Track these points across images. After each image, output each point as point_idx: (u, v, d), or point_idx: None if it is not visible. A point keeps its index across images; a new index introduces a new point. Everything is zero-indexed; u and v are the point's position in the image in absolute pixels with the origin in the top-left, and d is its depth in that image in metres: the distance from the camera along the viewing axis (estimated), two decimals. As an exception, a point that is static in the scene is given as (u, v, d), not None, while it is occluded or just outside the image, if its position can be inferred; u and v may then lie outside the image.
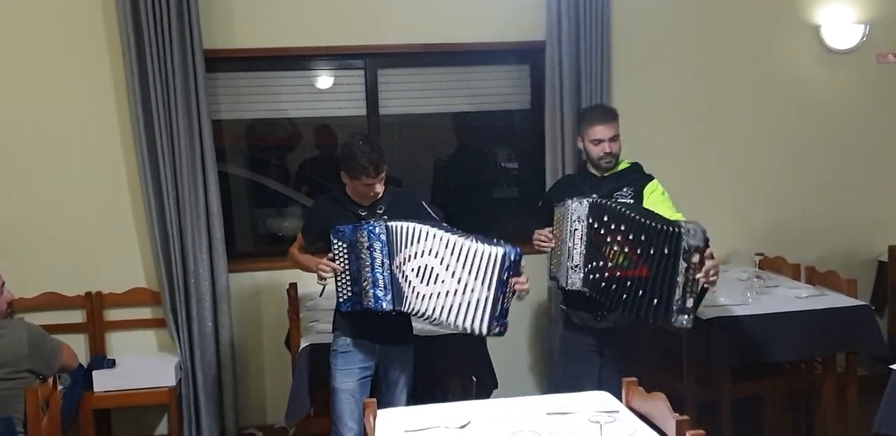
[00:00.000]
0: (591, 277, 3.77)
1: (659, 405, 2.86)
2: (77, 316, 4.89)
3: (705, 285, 3.52)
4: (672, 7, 5.24)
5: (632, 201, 3.91)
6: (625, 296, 3.63)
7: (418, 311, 3.53)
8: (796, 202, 5.50)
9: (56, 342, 3.74)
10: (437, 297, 3.45)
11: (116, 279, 4.90)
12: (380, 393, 3.80)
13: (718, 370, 4.36)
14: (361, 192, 3.67)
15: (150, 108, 4.67)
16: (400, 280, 3.56)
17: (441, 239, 3.46)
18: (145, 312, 4.97)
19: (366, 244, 3.56)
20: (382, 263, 3.56)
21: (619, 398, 3.12)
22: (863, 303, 4.52)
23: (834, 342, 4.43)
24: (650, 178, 4.08)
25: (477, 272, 3.37)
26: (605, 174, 4.06)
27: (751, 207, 5.46)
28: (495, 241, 3.39)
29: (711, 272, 3.50)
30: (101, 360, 4.69)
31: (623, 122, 5.14)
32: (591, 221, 3.77)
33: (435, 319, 3.50)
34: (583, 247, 3.79)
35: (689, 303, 3.47)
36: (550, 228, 3.98)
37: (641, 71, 5.23)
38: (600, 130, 3.98)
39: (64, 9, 4.72)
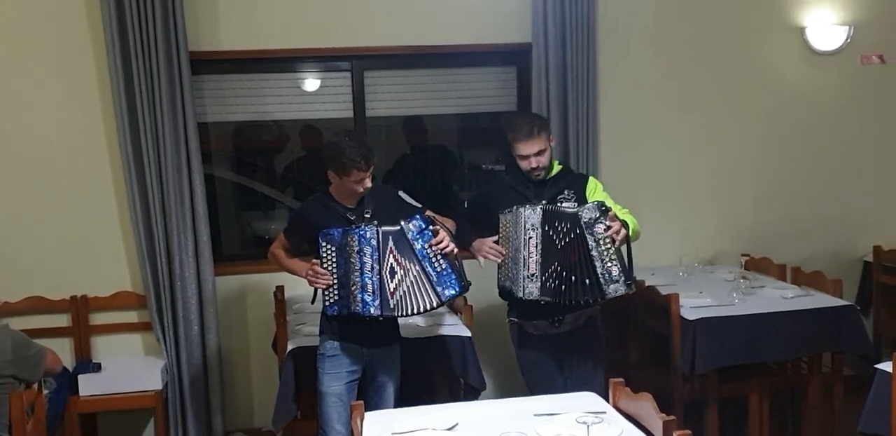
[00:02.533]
0: (549, 284, 3.73)
1: (646, 406, 2.86)
2: (62, 320, 4.86)
3: (614, 245, 3.63)
4: (657, 9, 5.26)
5: (575, 203, 3.85)
6: (564, 287, 3.68)
7: (393, 309, 3.57)
8: (782, 203, 5.53)
9: (40, 350, 3.72)
10: (395, 290, 3.55)
11: (102, 283, 4.88)
12: (367, 396, 3.79)
13: (705, 371, 4.37)
14: (351, 189, 3.66)
15: (135, 110, 4.66)
16: (386, 285, 3.57)
17: (390, 234, 3.58)
18: (131, 316, 4.94)
19: (356, 248, 3.55)
20: (372, 267, 3.55)
21: (607, 399, 3.13)
22: (848, 303, 4.54)
23: (820, 342, 4.45)
24: (586, 176, 4.11)
25: (401, 251, 3.55)
26: (544, 178, 3.99)
27: (736, 208, 5.48)
28: (402, 221, 3.59)
29: (613, 233, 3.62)
30: (86, 364, 4.66)
31: (608, 123, 5.21)
32: (545, 228, 3.72)
33: (402, 312, 3.58)
34: (538, 255, 3.73)
35: (615, 271, 3.61)
36: (496, 238, 3.91)
37: (627, 72, 5.24)
38: (522, 147, 3.89)
39: (48, 10, 4.70)
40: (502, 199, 3.94)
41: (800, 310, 4.40)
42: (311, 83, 5.23)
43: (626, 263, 3.69)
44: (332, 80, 5.19)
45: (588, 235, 3.63)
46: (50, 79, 4.75)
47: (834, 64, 5.48)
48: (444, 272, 3.57)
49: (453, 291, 3.59)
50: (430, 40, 5.04)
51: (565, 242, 3.68)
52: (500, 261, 3.89)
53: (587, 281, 3.65)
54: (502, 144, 5.57)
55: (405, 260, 3.56)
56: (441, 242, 3.57)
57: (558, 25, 4.96)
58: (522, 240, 3.75)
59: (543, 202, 3.82)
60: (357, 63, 5.10)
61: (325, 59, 5.13)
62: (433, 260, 3.56)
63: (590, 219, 3.63)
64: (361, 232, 3.56)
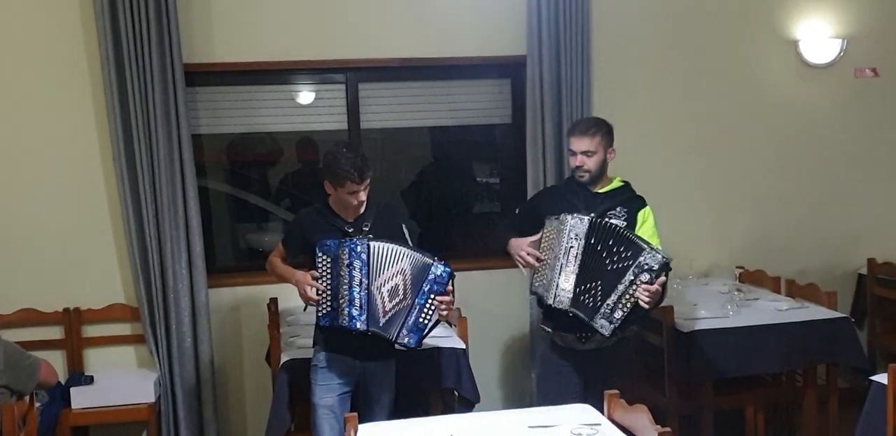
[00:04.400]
0: (582, 298, 3.70)
1: (641, 418, 2.85)
2: (55, 332, 4.84)
3: (638, 301, 3.58)
4: (651, 22, 5.28)
5: (624, 223, 3.81)
6: (592, 305, 3.67)
7: (382, 328, 3.57)
8: (776, 215, 5.53)
9: (34, 359, 3.71)
10: (392, 311, 3.57)
11: (95, 295, 4.86)
12: (360, 409, 3.74)
13: (700, 383, 4.36)
14: (346, 201, 3.65)
15: (129, 122, 4.65)
16: (377, 301, 3.56)
17: (410, 257, 3.58)
18: (124, 328, 4.92)
19: (346, 261, 3.56)
20: (361, 282, 3.55)
21: (602, 411, 3.11)
22: (843, 315, 4.54)
23: (814, 354, 4.45)
24: (643, 202, 3.97)
25: (413, 281, 3.55)
26: (599, 190, 3.94)
27: (731, 220, 5.49)
28: (437, 258, 3.57)
29: (648, 292, 3.56)
30: (79, 376, 4.63)
31: (603, 135, 5.18)
32: (592, 241, 3.68)
33: (388, 334, 3.59)
34: (576, 266, 3.69)
35: (617, 314, 3.60)
36: (533, 240, 3.88)
37: (621, 85, 5.26)
38: (573, 142, 3.90)
39: (43, 22, 4.70)
40: (552, 205, 3.92)
41: (794, 322, 4.40)
42: (306, 95, 5.23)
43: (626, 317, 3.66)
44: (326, 92, 5.20)
45: (630, 272, 3.58)
46: (44, 91, 4.75)
47: (827, 77, 5.50)
48: (420, 325, 3.57)
49: (409, 341, 3.58)
50: (424, 53, 5.05)
51: (617, 266, 3.63)
52: (535, 266, 3.86)
53: (598, 302, 3.65)
54: (497, 157, 5.63)
55: (410, 291, 3.56)
56: (445, 302, 3.56)
57: (552, 38, 4.97)
58: (564, 248, 3.72)
59: (591, 214, 3.77)
60: (351, 75, 5.11)
61: (319, 72, 5.13)
62: (425, 309, 3.55)
63: (644, 263, 3.57)
64: (352, 245, 3.56)
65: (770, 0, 5.39)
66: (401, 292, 3.56)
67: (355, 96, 5.12)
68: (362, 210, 3.73)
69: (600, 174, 3.92)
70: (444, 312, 3.60)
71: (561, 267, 3.73)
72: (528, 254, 3.86)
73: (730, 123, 5.43)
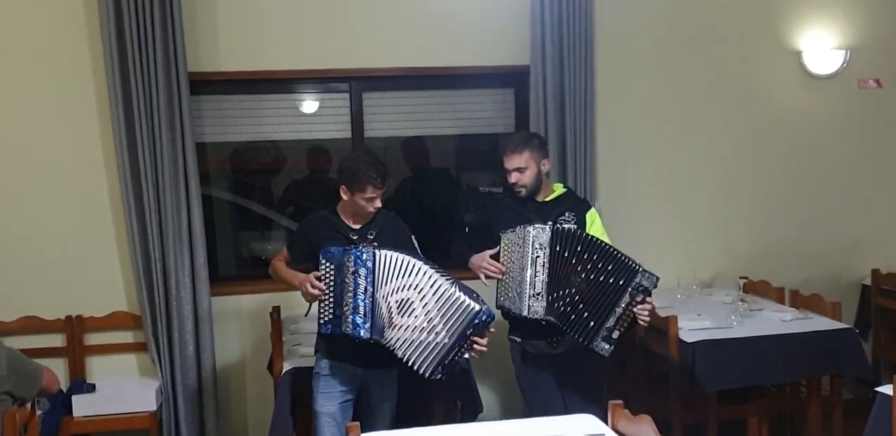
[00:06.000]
0: (557, 305, 3.73)
1: (645, 428, 2.84)
2: (57, 340, 4.83)
3: (637, 320, 3.70)
4: (654, 32, 5.28)
5: (576, 226, 3.89)
6: (573, 316, 3.70)
7: (388, 340, 3.53)
8: (780, 226, 5.52)
9: (36, 365, 3.71)
10: (404, 329, 3.50)
11: (97, 303, 4.85)
12: (363, 417, 3.75)
13: (704, 393, 4.34)
14: (361, 207, 3.65)
15: (133, 130, 4.66)
16: (383, 310, 3.54)
17: (430, 278, 3.50)
18: (126, 336, 4.91)
19: (351, 269, 3.54)
20: (365, 290, 3.54)
21: (606, 421, 3.10)
22: (847, 326, 4.52)
23: (818, 365, 4.43)
24: (588, 204, 4.13)
25: (447, 318, 3.45)
26: (546, 199, 4.03)
27: (735, 230, 5.48)
28: (475, 295, 3.48)
29: (647, 313, 3.70)
30: (80, 384, 4.63)
31: (605, 145, 5.21)
32: (557, 248, 3.73)
33: (393, 348, 3.53)
34: (545, 275, 3.74)
35: (615, 335, 3.67)
36: (491, 252, 3.91)
37: (624, 94, 5.26)
38: (505, 160, 3.98)
39: (48, 31, 4.72)
40: (504, 220, 3.95)
41: (798, 333, 4.39)
42: (310, 104, 5.24)
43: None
44: (330, 101, 5.20)
45: (626, 293, 3.66)
46: (49, 98, 4.75)
47: (831, 88, 5.50)
48: (453, 361, 3.52)
49: (439, 377, 3.52)
50: (428, 62, 5.06)
51: (601, 279, 3.68)
52: (500, 278, 3.89)
53: (591, 323, 3.68)
54: (500, 166, 5.61)
55: (440, 323, 3.47)
56: (482, 347, 3.51)
57: (556, 47, 4.98)
58: (529, 259, 3.75)
59: (549, 223, 3.83)
60: (356, 84, 5.12)
61: (323, 81, 5.14)
62: (463, 347, 3.49)
63: (640, 284, 3.65)
64: (358, 253, 3.55)
65: (773, 11, 5.40)
66: (419, 313, 3.48)
67: (359, 105, 5.13)
68: (371, 218, 3.73)
69: (538, 186, 4.01)
70: (478, 355, 3.56)
71: (529, 278, 3.76)
72: (490, 265, 3.90)
73: (734, 133, 5.43)
